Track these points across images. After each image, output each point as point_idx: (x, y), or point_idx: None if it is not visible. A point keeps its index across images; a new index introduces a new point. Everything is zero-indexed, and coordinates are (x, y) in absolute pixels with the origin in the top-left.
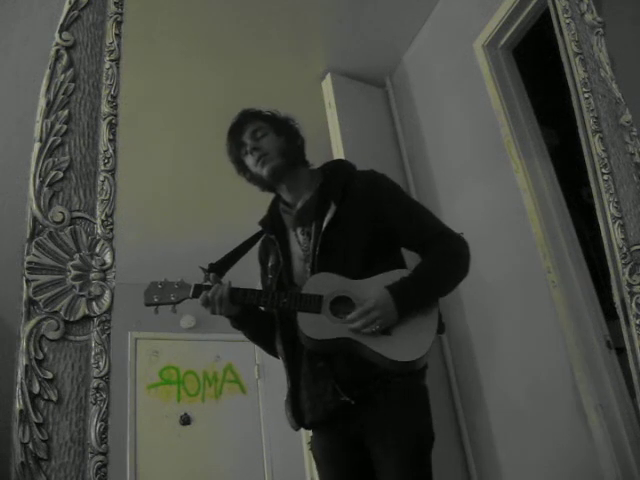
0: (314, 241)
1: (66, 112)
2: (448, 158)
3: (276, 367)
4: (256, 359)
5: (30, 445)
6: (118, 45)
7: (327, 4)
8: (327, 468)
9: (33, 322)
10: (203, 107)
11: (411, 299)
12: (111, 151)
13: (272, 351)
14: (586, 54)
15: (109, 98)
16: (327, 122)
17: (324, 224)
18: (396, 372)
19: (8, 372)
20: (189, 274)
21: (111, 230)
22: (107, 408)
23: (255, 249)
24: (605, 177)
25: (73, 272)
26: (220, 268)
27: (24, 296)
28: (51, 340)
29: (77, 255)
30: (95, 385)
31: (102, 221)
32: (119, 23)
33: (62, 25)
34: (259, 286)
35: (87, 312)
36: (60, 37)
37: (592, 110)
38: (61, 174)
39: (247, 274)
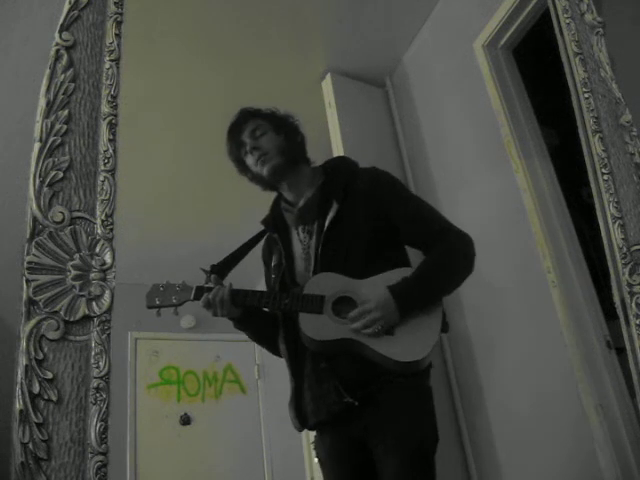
0: (316, 240)
1: (66, 112)
2: (448, 158)
3: (276, 367)
4: (256, 359)
5: (30, 445)
6: (118, 45)
7: (327, 4)
8: (331, 468)
9: (33, 322)
10: (203, 107)
11: (413, 299)
12: (111, 151)
13: (276, 351)
14: (586, 54)
15: (109, 98)
16: (327, 122)
17: (326, 223)
18: (399, 372)
19: (8, 372)
20: (189, 274)
21: (111, 230)
22: (107, 408)
23: (257, 250)
24: (605, 177)
25: (73, 272)
26: (222, 269)
27: (24, 296)
28: (51, 340)
29: (77, 255)
30: (95, 385)
31: (102, 221)
32: (119, 23)
33: (62, 25)
34: (261, 286)
35: (87, 312)
36: (60, 37)
37: (592, 110)
38: (61, 174)
39: (248, 275)
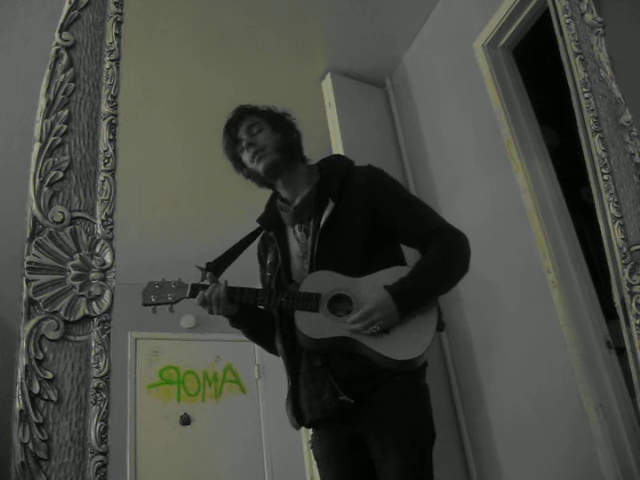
0: (312, 238)
1: (66, 112)
2: (448, 158)
3: (276, 367)
4: (256, 359)
5: (30, 445)
6: (118, 45)
7: (327, 4)
8: (328, 467)
9: (33, 322)
10: (203, 108)
11: (412, 299)
12: (111, 151)
13: (272, 350)
14: (586, 54)
15: (109, 98)
16: (327, 122)
17: (322, 221)
18: (395, 370)
19: (8, 372)
20: (189, 274)
21: (111, 230)
22: (107, 408)
23: (253, 248)
24: (605, 177)
25: (73, 272)
26: (217, 267)
27: (24, 296)
28: (51, 340)
29: (77, 255)
30: (95, 385)
31: (102, 221)
32: (119, 23)
33: (62, 25)
34: (258, 285)
35: (87, 312)
36: (60, 37)
37: (592, 110)
38: (61, 174)
39: (244, 273)
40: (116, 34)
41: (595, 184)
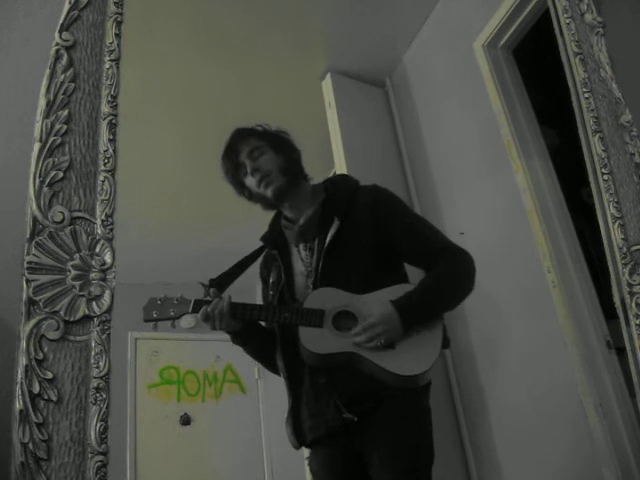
0: (317, 257)
1: (66, 112)
2: (448, 158)
3: None
4: None
5: (30, 445)
6: (118, 45)
7: (327, 4)
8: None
9: (33, 322)
10: (203, 108)
11: (416, 313)
12: (111, 151)
13: (273, 368)
14: (586, 54)
15: (109, 98)
16: (327, 122)
17: (328, 239)
18: (398, 387)
19: (8, 372)
20: (189, 274)
21: (111, 230)
22: (107, 408)
23: (255, 266)
24: (605, 177)
25: (73, 272)
26: (220, 283)
27: (24, 296)
28: (51, 340)
29: (77, 255)
30: (95, 385)
31: (102, 221)
32: (119, 23)
33: (62, 25)
34: (259, 302)
35: (87, 312)
36: (60, 37)
37: (592, 110)
38: (61, 174)
39: (246, 291)
40: (116, 34)
41: (595, 184)
